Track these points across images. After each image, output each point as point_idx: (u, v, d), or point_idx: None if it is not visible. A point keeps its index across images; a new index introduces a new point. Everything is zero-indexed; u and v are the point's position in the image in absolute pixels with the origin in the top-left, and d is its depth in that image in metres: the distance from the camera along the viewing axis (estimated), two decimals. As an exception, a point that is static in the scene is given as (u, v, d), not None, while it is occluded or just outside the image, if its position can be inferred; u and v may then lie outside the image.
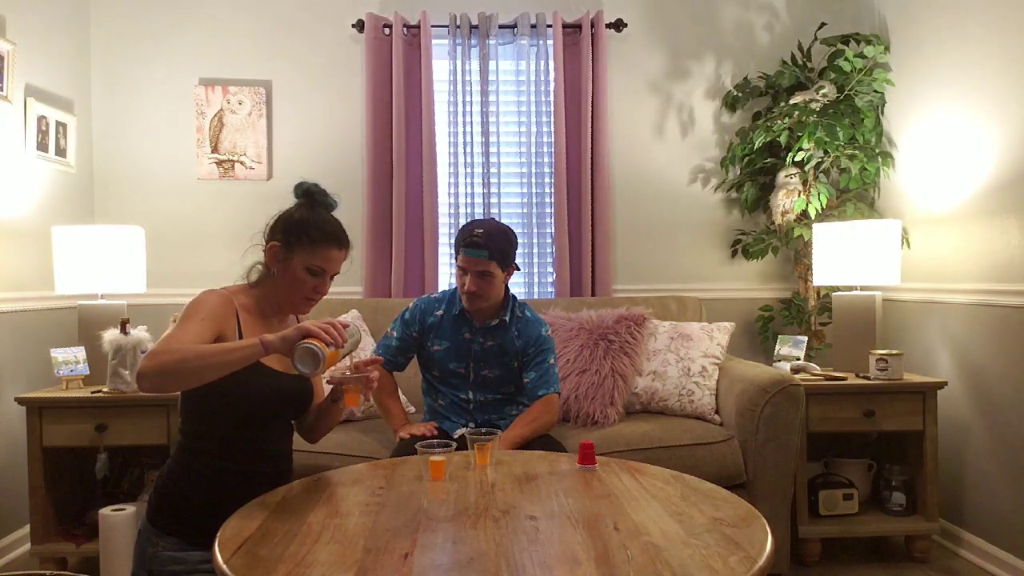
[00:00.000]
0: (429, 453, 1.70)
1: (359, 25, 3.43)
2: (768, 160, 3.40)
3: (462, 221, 3.47)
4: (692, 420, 2.73)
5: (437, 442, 1.75)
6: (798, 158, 3.20)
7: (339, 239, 1.71)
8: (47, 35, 3.12)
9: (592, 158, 3.45)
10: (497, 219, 3.49)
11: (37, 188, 3.03)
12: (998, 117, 2.66)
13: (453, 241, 2.41)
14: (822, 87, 3.23)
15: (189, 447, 1.64)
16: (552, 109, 3.45)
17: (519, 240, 3.47)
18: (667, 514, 1.45)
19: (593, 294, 3.45)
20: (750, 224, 3.59)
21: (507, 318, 2.42)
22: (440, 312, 2.44)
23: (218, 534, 1.35)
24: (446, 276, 3.49)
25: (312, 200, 1.73)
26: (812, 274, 3.17)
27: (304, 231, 1.67)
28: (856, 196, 3.33)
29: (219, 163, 3.47)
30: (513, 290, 3.55)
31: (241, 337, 1.62)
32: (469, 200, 3.47)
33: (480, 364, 2.43)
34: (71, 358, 2.74)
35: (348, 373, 1.68)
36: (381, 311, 3.10)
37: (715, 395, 2.79)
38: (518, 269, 2.46)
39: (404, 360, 2.49)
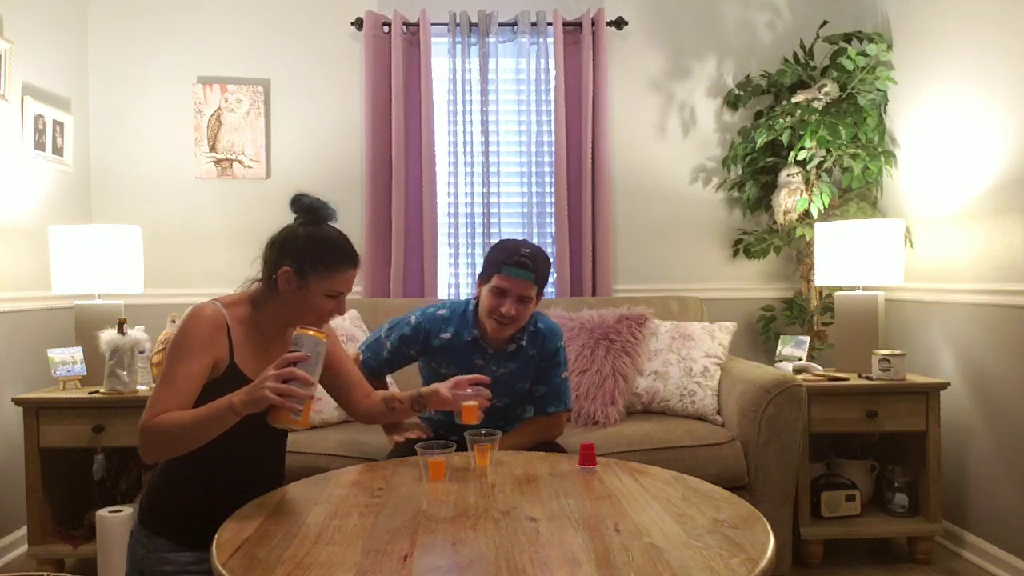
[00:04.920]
0: (429, 454, 1.69)
1: (358, 23, 3.42)
2: (770, 159, 3.38)
3: (462, 220, 3.45)
4: (694, 421, 2.72)
5: (437, 443, 1.73)
6: (800, 157, 3.18)
7: (353, 258, 1.64)
8: (44, 33, 3.11)
9: (593, 157, 3.43)
10: (496, 219, 3.50)
11: (34, 187, 3.02)
12: (1001, 116, 2.64)
13: (485, 257, 2.14)
14: (824, 85, 3.22)
15: None
16: (552, 108, 3.43)
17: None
18: (668, 515, 1.44)
19: (594, 294, 3.44)
20: (752, 223, 3.57)
21: (523, 342, 2.20)
22: (447, 336, 2.20)
23: (216, 536, 1.34)
24: (445, 276, 3.47)
25: (315, 216, 1.64)
26: (814, 274, 3.16)
27: (318, 256, 1.59)
28: (858, 195, 3.31)
29: (217, 162, 3.45)
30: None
31: (232, 356, 1.59)
32: (469, 199, 3.46)
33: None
34: (68, 358, 2.73)
35: (469, 390, 1.82)
36: (381, 311, 3.08)
37: (717, 395, 2.78)
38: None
39: (389, 371, 2.32)
